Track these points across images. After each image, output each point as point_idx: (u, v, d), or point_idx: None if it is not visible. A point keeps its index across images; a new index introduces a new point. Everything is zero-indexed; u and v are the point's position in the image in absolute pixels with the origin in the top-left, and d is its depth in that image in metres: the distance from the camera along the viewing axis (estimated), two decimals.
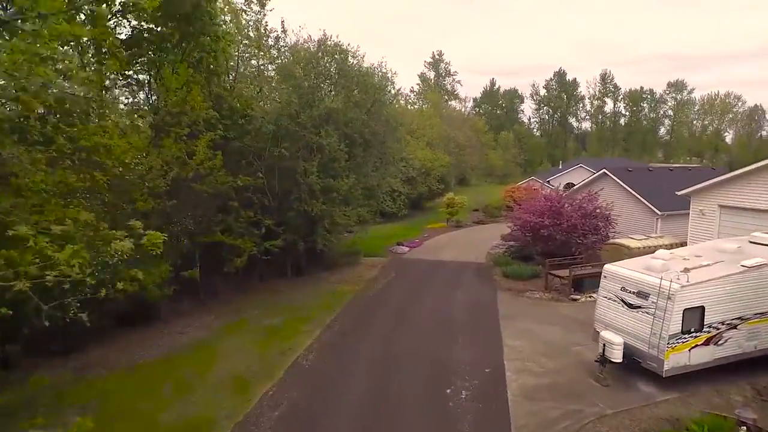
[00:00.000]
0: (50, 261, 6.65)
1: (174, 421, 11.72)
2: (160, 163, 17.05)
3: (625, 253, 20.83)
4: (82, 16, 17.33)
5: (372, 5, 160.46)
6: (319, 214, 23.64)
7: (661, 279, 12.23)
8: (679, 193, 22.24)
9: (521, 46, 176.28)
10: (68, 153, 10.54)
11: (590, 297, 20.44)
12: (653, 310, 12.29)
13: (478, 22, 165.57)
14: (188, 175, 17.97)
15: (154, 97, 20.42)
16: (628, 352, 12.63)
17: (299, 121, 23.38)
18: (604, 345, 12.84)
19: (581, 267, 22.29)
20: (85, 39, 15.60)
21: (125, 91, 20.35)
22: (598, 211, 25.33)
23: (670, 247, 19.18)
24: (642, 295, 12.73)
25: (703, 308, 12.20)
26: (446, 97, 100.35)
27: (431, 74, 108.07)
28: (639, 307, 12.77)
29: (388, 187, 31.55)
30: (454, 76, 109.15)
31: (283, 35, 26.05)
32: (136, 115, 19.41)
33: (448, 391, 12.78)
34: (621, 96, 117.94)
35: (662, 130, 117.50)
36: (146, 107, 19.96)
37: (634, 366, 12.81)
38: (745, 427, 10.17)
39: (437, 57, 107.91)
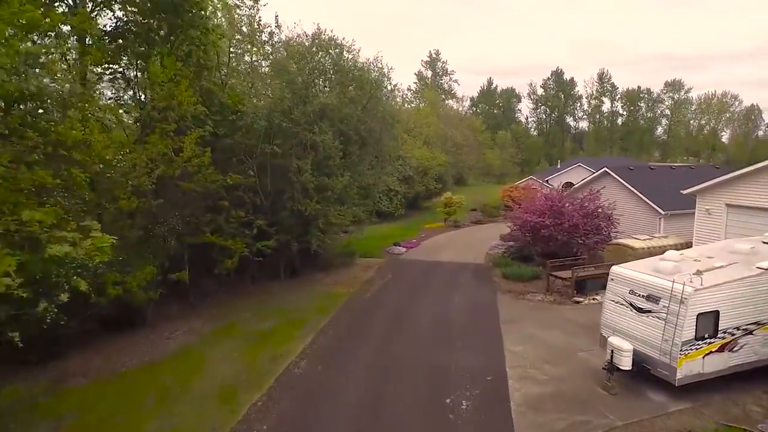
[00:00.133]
0: None
1: None
2: (145, 160, 16.24)
3: (629, 253, 20.24)
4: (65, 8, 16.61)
5: (372, 5, 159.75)
6: (313, 214, 22.87)
7: (673, 282, 11.54)
8: (684, 191, 21.61)
9: (520, 46, 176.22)
10: (38, 147, 9.76)
11: (593, 299, 19.84)
12: (665, 314, 11.60)
13: (478, 22, 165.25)
14: (175, 172, 17.18)
15: (141, 94, 19.63)
16: (638, 359, 11.94)
17: (292, 117, 22.56)
18: (612, 351, 12.16)
19: (583, 268, 21.67)
20: (65, 28, 14.84)
21: (111, 86, 19.57)
22: (599, 210, 24.77)
23: (676, 247, 18.58)
24: (652, 298, 12.03)
25: (717, 313, 11.52)
26: (443, 96, 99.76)
27: (428, 73, 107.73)
28: (649, 311, 12.07)
29: (385, 186, 31.03)
30: (451, 76, 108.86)
31: (278, 30, 25.33)
32: (121, 111, 18.66)
33: (448, 401, 12.07)
34: (618, 95, 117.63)
35: (659, 130, 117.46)
36: (132, 102, 19.14)
37: (642, 373, 12.13)
38: None
39: (434, 56, 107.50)
